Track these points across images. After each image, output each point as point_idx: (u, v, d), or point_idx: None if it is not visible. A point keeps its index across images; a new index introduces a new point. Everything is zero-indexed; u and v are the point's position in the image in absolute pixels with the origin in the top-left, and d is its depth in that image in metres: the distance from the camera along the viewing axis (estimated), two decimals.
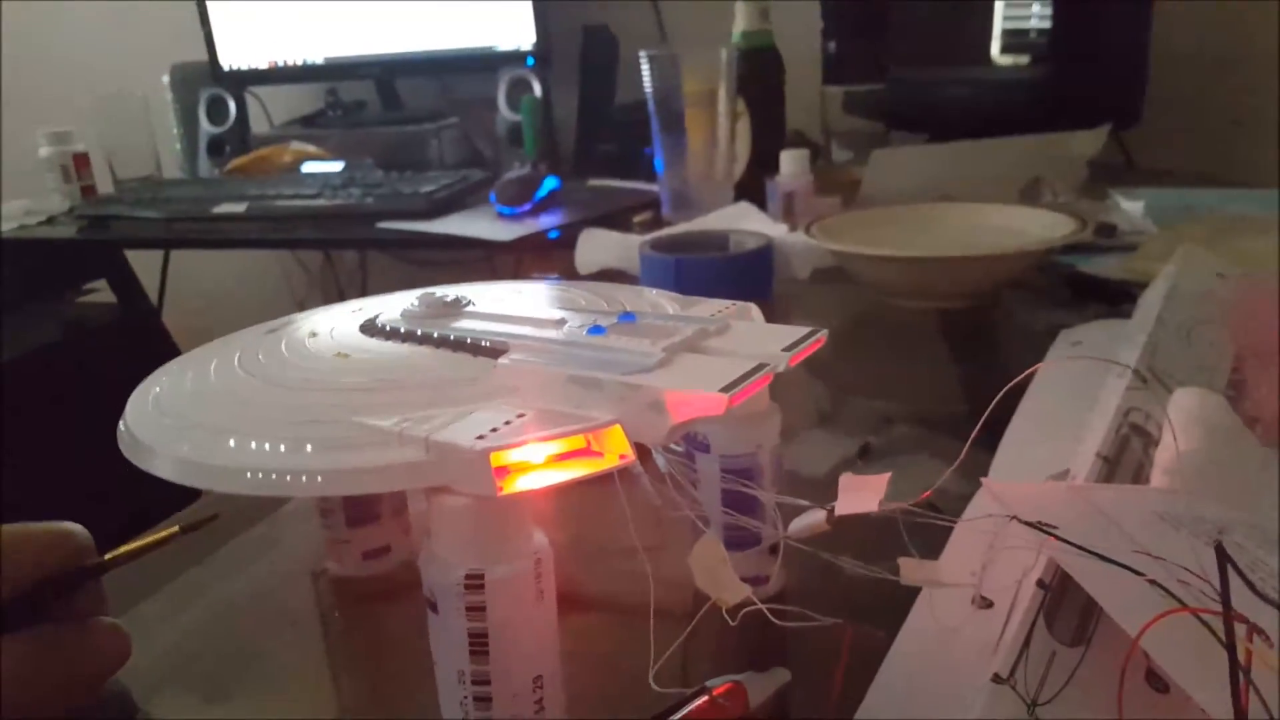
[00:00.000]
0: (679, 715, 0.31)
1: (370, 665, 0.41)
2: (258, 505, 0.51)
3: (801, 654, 0.36)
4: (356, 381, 0.32)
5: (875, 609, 0.35)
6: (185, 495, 0.53)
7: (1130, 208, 0.93)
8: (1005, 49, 1.22)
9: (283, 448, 0.28)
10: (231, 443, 0.29)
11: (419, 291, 0.38)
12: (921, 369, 0.70)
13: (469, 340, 0.33)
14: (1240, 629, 0.25)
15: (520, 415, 0.29)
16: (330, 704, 0.39)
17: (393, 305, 0.39)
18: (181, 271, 1.85)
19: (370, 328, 0.36)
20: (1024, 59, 1.22)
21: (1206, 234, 0.77)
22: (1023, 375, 0.32)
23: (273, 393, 0.32)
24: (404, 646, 0.39)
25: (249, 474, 0.28)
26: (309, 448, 0.28)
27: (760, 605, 0.30)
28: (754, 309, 0.37)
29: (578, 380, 0.30)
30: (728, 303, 0.38)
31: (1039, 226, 0.79)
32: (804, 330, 0.33)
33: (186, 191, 1.43)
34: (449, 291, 0.38)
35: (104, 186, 1.60)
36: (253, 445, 0.29)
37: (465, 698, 0.29)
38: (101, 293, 1.74)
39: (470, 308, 0.37)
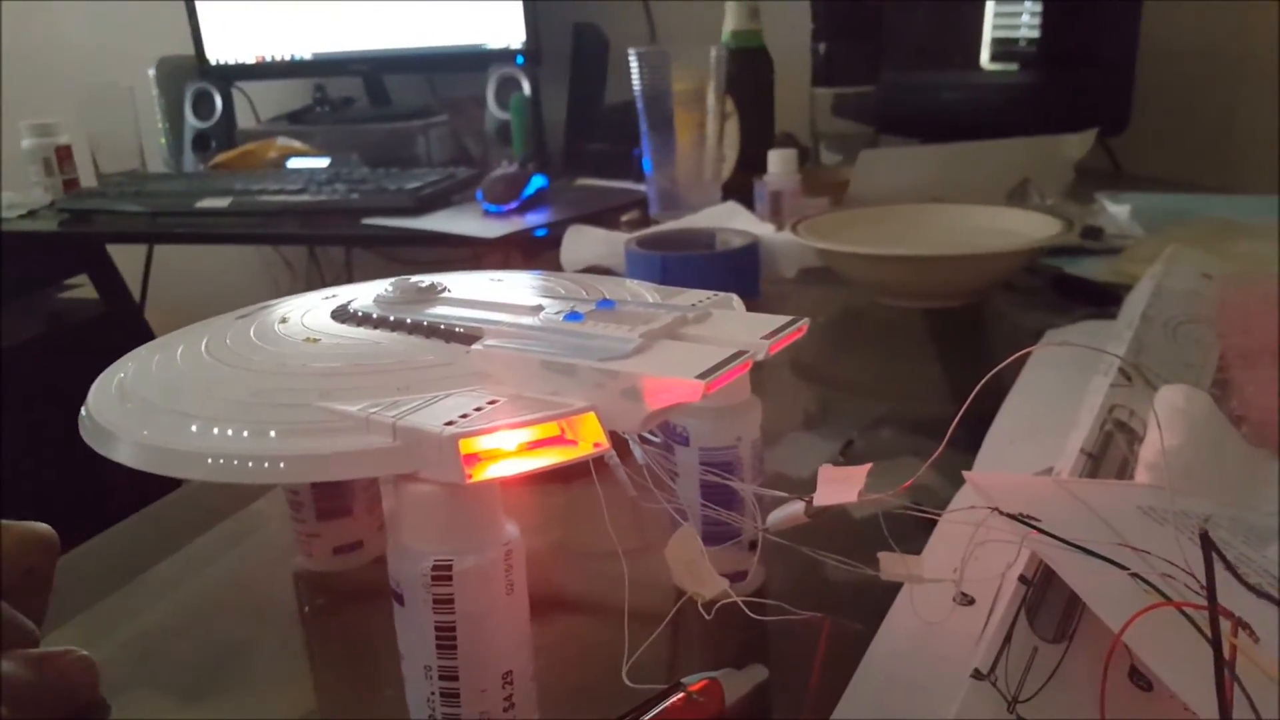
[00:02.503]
0: (653, 712, 0.31)
1: (339, 662, 0.40)
2: (228, 499, 0.50)
3: (781, 652, 0.36)
4: (325, 367, 0.31)
5: (856, 607, 0.35)
6: (159, 491, 0.53)
7: (1117, 211, 0.93)
8: (995, 54, 1.22)
9: (246, 433, 0.28)
10: (193, 428, 0.29)
11: (394, 279, 0.37)
12: (908, 370, 0.69)
13: (442, 326, 0.33)
14: (1225, 625, 0.25)
15: (492, 401, 0.28)
16: (298, 702, 0.38)
17: (367, 292, 0.38)
18: (165, 268, 1.84)
19: (342, 314, 0.36)
20: (1014, 64, 1.22)
21: (1193, 238, 0.77)
22: (1008, 360, 0.31)
23: (238, 377, 0.31)
24: (374, 643, 0.39)
25: (209, 460, 0.27)
26: (272, 433, 0.27)
27: (737, 599, 0.29)
28: (735, 299, 0.37)
29: (552, 366, 0.29)
30: (709, 293, 0.37)
31: (1026, 227, 0.79)
32: (785, 319, 0.32)
33: (170, 186, 1.42)
34: (424, 278, 0.38)
35: (87, 180, 1.58)
36: (215, 430, 0.28)
37: (432, 693, 0.28)
38: (83, 288, 1.73)
39: (445, 294, 0.36)
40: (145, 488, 0.53)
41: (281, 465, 0.26)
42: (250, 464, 0.27)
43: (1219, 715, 0.21)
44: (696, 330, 0.32)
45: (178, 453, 0.28)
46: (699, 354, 0.29)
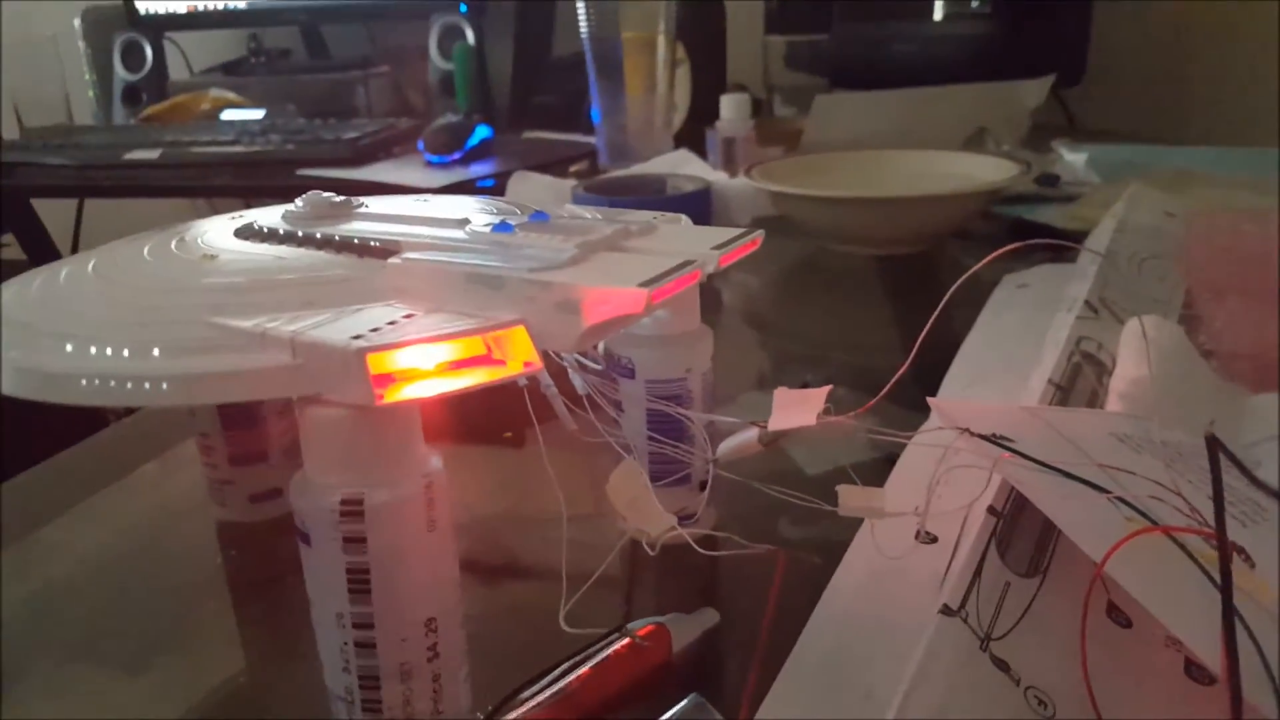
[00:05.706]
0: (597, 659, 0.28)
1: (253, 620, 0.36)
2: (139, 448, 0.47)
3: (732, 596, 0.33)
4: (220, 282, 0.28)
5: (813, 548, 0.32)
6: (86, 431, 0.48)
7: (1074, 159, 0.91)
8: (950, 5, 1.20)
9: (126, 352, 0.24)
10: (69, 347, 0.25)
11: (305, 194, 0.34)
12: (863, 320, 0.67)
13: (356, 240, 0.29)
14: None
15: (408, 315, 0.25)
16: (201, 661, 0.34)
17: (276, 213, 0.34)
18: (95, 227, 1.76)
19: (246, 231, 0.32)
20: (969, 16, 1.19)
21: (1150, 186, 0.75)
22: (965, 277, 0.29)
23: (123, 295, 0.28)
24: (292, 598, 0.35)
25: (84, 381, 0.24)
26: (156, 351, 0.24)
27: (684, 533, 0.27)
28: (685, 218, 0.34)
29: (477, 278, 0.26)
30: (656, 214, 0.34)
31: (983, 171, 0.77)
32: (737, 230, 0.29)
33: (97, 138, 1.35)
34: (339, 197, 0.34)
35: (9, 134, 1.50)
36: (92, 350, 0.25)
37: (346, 643, 0.25)
38: (9, 248, 1.65)
39: (363, 210, 0.33)
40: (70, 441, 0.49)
41: (164, 386, 0.23)
42: (130, 385, 0.23)
43: (1223, 647, 0.18)
44: (641, 243, 0.29)
45: (51, 375, 0.25)
46: (642, 264, 0.26)
